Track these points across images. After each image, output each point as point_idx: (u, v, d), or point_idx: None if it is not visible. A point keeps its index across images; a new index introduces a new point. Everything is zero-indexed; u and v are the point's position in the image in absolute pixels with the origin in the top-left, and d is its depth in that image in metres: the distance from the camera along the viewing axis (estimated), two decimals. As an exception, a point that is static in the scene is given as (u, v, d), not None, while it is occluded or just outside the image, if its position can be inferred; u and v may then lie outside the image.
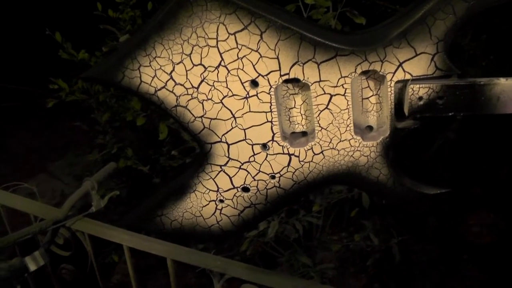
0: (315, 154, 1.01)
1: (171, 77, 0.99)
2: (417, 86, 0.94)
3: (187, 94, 0.99)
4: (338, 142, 1.00)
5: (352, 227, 2.94)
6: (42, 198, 3.60)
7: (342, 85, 0.94)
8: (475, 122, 3.27)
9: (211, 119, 1.01)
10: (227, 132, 1.01)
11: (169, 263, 1.74)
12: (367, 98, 1.01)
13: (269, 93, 0.96)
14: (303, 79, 0.94)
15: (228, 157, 1.04)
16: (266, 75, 0.95)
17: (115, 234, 1.77)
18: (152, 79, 1.00)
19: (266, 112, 0.98)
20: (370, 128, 1.03)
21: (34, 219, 1.92)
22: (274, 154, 1.02)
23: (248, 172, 1.04)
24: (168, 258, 1.73)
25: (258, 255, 2.35)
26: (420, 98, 0.95)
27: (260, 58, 0.94)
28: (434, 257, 3.15)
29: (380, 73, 0.93)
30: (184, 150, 2.33)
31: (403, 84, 0.95)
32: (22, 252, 1.41)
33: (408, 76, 0.94)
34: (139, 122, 2.44)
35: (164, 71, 0.99)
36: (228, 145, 1.02)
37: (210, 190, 1.08)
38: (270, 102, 0.97)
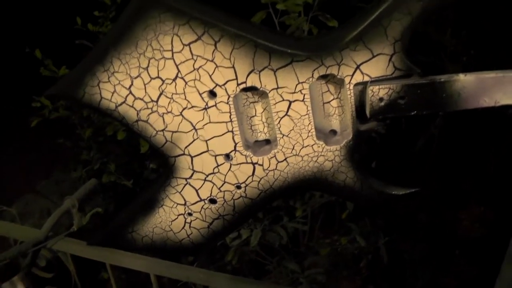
0: (278, 161, 1.00)
1: (130, 92, 0.98)
2: (377, 87, 0.93)
3: (147, 108, 0.98)
4: (301, 148, 0.98)
5: (343, 229, 2.93)
6: (31, 218, 3.57)
7: (300, 91, 0.93)
8: (459, 117, 3.27)
9: (173, 132, 0.99)
10: (189, 145, 1.00)
11: (152, 278, 1.73)
12: (328, 102, 1.00)
13: (227, 103, 0.95)
14: (261, 87, 0.93)
15: (193, 169, 1.02)
16: (223, 84, 0.93)
17: (96, 252, 1.76)
18: (112, 95, 0.98)
19: (226, 122, 0.97)
20: (334, 132, 1.02)
21: (13, 242, 1.90)
22: (237, 164, 1.00)
23: (214, 184, 1.03)
24: (151, 274, 1.71)
25: (246, 264, 2.33)
26: (381, 99, 0.93)
27: (216, 68, 0.92)
28: (426, 254, 3.14)
29: (338, 76, 0.92)
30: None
31: (363, 86, 0.94)
32: (3, 277, 1.38)
33: (367, 78, 0.93)
34: (120, 136, 2.42)
35: (123, 86, 0.97)
36: (192, 157, 1.01)
37: (177, 204, 1.07)
38: (230, 112, 0.96)
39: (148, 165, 2.70)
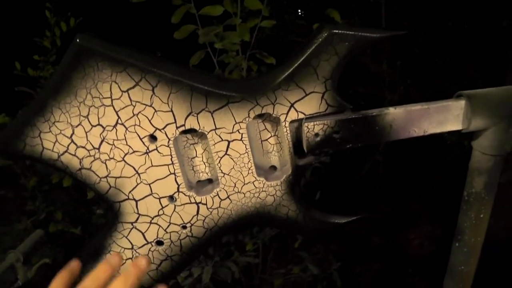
0: (221, 199, 1.02)
1: (72, 141, 0.98)
2: (312, 123, 0.98)
3: (90, 155, 0.99)
4: (243, 186, 1.02)
5: (296, 258, 2.95)
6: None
7: (238, 130, 0.97)
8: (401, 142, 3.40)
9: (116, 177, 1.00)
10: (133, 189, 1.01)
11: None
12: (266, 139, 1.04)
13: (168, 146, 0.97)
14: (199, 129, 0.96)
15: (138, 213, 1.03)
16: (163, 128, 0.96)
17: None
18: (54, 145, 0.99)
19: (168, 165, 0.99)
20: (273, 168, 1.06)
21: None
22: (182, 205, 1.02)
23: (159, 226, 1.04)
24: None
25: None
26: (317, 135, 0.98)
27: (155, 113, 0.95)
28: (381, 275, 3.20)
29: (273, 115, 0.97)
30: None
31: (298, 123, 0.99)
32: None
33: (301, 116, 0.98)
34: (66, 183, 2.37)
35: (65, 135, 0.98)
36: (136, 201, 1.02)
37: (124, 248, 1.07)
38: (171, 155, 0.98)
39: (96, 211, 2.66)
